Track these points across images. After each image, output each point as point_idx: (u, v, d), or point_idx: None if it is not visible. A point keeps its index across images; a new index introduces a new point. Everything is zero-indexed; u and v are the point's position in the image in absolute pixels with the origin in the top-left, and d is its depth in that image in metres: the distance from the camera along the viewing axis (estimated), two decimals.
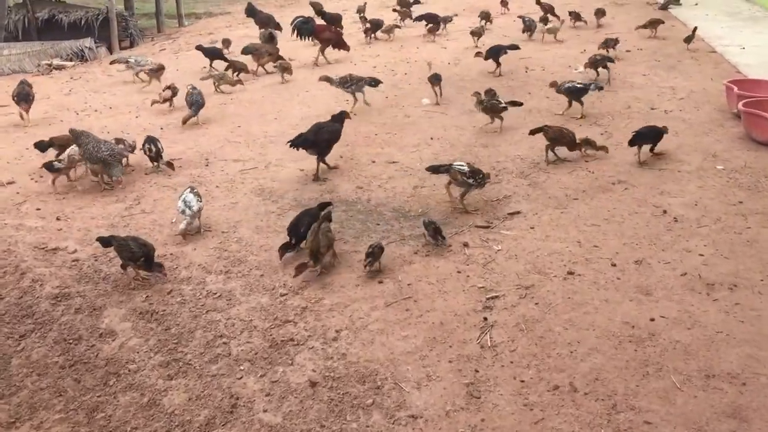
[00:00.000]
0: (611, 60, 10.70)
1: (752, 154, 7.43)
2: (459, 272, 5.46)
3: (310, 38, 13.38)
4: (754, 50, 11.88)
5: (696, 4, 16.77)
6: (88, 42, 17.65)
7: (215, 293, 5.29)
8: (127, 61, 12.11)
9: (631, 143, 7.31)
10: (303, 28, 13.13)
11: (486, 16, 15.54)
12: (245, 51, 12.28)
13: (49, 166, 7.36)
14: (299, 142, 7.33)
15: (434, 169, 6.57)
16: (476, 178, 6.31)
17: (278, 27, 15.01)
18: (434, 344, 4.62)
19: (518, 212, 6.45)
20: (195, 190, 6.30)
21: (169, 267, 5.67)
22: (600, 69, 10.45)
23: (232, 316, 5.01)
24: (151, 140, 7.69)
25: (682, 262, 5.39)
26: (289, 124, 9.28)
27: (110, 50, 18.13)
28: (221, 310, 5.08)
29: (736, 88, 8.53)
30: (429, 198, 6.82)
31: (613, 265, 5.40)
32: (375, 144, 8.42)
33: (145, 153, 7.70)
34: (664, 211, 6.25)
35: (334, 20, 14.73)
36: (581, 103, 8.98)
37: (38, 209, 6.85)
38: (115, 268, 5.64)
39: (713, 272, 5.23)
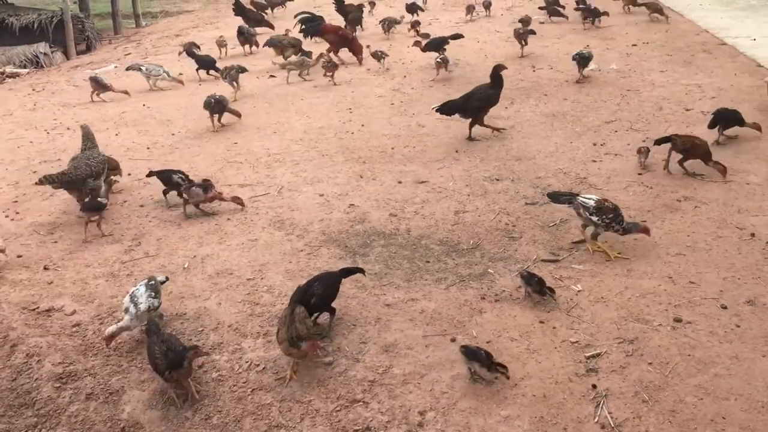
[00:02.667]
0: (533, 32, 11.72)
1: None
2: (542, 323, 4.62)
3: (313, 38, 12.43)
4: (767, 42, 11.30)
5: None
6: (42, 47, 16.35)
7: (257, 364, 4.34)
8: (140, 69, 10.89)
9: (711, 125, 7.26)
10: (308, 27, 12.17)
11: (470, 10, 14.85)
12: (269, 43, 11.85)
13: (94, 205, 6.02)
14: (445, 109, 7.75)
15: (554, 198, 5.66)
16: (603, 217, 5.26)
17: (270, 26, 14.07)
18: (544, 426, 3.77)
19: (584, 241, 5.63)
20: (154, 282, 4.67)
21: (193, 329, 4.70)
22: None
23: (285, 396, 4.07)
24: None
25: None
26: (291, 139, 8.33)
27: (66, 55, 16.82)
28: (270, 389, 4.14)
29: None
30: (476, 225, 5.96)
31: (724, 307, 4.62)
32: (395, 160, 7.53)
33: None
34: (752, 234, 5.51)
35: (354, 20, 13.88)
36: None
37: (20, 256, 5.78)
38: (128, 334, 4.64)
39: None
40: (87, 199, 6.13)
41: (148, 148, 8.23)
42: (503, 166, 7.19)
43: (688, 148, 6.56)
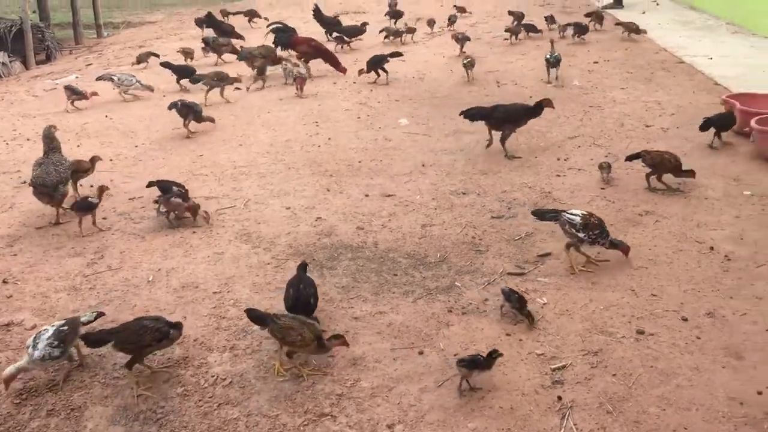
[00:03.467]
0: (468, 38, 12.79)
1: None
2: (508, 335, 4.66)
3: (286, 49, 12.37)
4: (724, 61, 11.63)
5: (644, 13, 16.63)
6: (1, 56, 16.01)
7: (224, 378, 4.29)
8: (111, 79, 10.68)
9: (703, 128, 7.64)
10: (278, 38, 12.12)
11: (431, 23, 15.08)
12: (241, 57, 11.68)
13: (85, 205, 6.20)
14: (470, 114, 7.78)
15: (540, 215, 5.67)
16: (590, 233, 5.28)
17: (240, 37, 14.02)
18: None
19: (549, 254, 5.71)
20: (66, 328, 4.25)
21: None
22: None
23: (251, 411, 4.03)
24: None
25: (760, 313, 4.75)
26: (257, 152, 8.30)
27: (26, 65, 16.51)
28: (236, 403, 4.09)
29: (738, 104, 8.08)
30: (443, 239, 6.00)
31: (685, 319, 4.71)
32: (362, 173, 7.54)
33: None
34: (711, 248, 5.64)
35: (331, 25, 13.98)
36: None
37: None
38: (89, 349, 4.54)
39: None
40: (78, 200, 6.31)
41: (111, 159, 8.12)
42: (469, 180, 7.25)
43: (657, 163, 6.69)
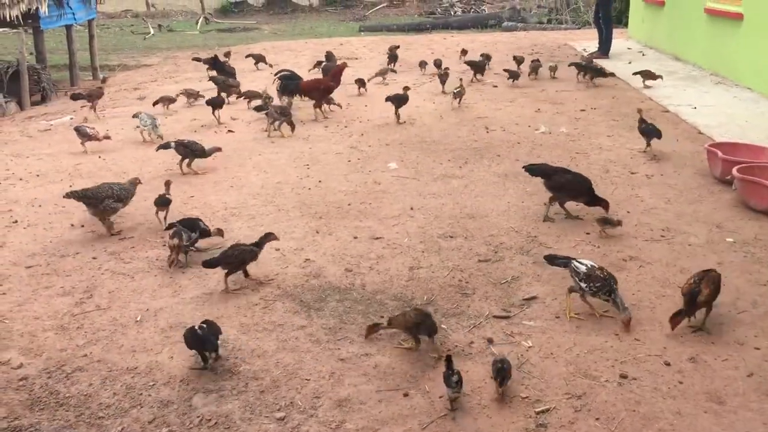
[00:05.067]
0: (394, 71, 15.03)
1: (756, 224, 7.09)
2: (493, 378, 4.69)
3: (293, 96, 12.55)
4: (707, 110, 11.88)
5: (630, 63, 16.98)
6: None
7: (209, 419, 4.31)
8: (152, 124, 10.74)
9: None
10: (286, 85, 12.29)
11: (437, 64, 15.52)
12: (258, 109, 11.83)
13: (163, 201, 7.26)
14: (530, 168, 7.55)
15: (550, 260, 5.77)
16: (591, 285, 5.27)
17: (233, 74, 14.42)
18: None
19: (535, 297, 5.78)
20: None
21: (144, 384, 4.65)
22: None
23: None
24: (178, 232, 6.36)
25: (741, 358, 4.82)
26: (249, 193, 8.39)
27: (21, 106, 16.65)
28: None
29: (720, 153, 8.26)
30: (430, 281, 6.06)
31: (667, 364, 4.78)
32: (350, 216, 7.63)
33: (172, 249, 6.31)
34: None
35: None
36: None
37: None
38: (76, 388, 4.56)
39: None
40: (158, 196, 7.30)
41: None
42: (457, 223, 7.35)
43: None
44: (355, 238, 7.02)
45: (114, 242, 6.98)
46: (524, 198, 8.06)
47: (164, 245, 6.75)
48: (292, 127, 10.97)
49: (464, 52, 17.20)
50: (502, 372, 4.38)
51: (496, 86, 14.25)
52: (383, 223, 7.41)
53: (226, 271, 5.86)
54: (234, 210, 7.85)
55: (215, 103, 11.96)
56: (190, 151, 9.03)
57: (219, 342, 4.83)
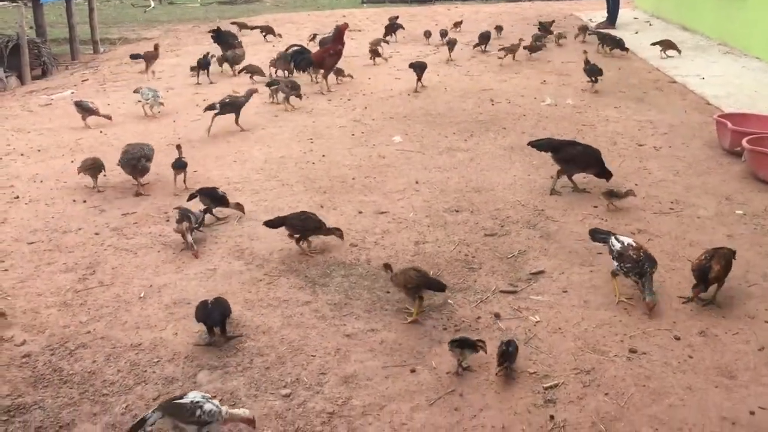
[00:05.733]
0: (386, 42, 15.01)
1: (766, 196, 7.00)
2: (498, 361, 4.63)
3: (310, 70, 12.45)
4: (715, 80, 11.72)
5: (636, 33, 16.75)
6: None
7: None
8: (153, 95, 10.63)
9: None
10: (299, 61, 12.18)
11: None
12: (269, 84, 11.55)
13: (180, 163, 7.59)
14: (537, 144, 7.36)
15: (593, 235, 5.66)
16: (622, 264, 5.12)
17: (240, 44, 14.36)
18: None
19: (542, 272, 5.71)
20: None
21: (148, 361, 4.61)
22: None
23: (242, 430, 4.00)
24: (185, 214, 6.20)
25: (752, 332, 4.75)
26: (252, 168, 8.30)
27: (21, 80, 16.50)
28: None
29: (730, 124, 8.13)
30: (436, 256, 6.00)
31: (677, 338, 4.72)
32: (355, 190, 7.55)
33: (183, 233, 6.08)
34: None
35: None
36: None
37: None
38: (79, 365, 4.53)
39: None
40: (175, 159, 7.61)
41: (104, 175, 8.09)
42: (463, 197, 7.26)
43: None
44: (360, 212, 6.94)
45: (117, 218, 6.92)
46: (530, 171, 7.96)
47: (167, 220, 6.68)
48: (300, 98, 10.91)
49: (457, 24, 17.20)
50: (506, 355, 4.30)
51: (501, 58, 14.03)
52: (388, 198, 7.32)
53: (293, 235, 6.03)
54: (237, 185, 7.76)
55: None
56: (235, 107, 9.58)
57: (228, 321, 4.78)
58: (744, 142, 7.45)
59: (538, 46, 14.37)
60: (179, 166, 7.53)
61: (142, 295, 5.44)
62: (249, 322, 5.04)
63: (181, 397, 3.81)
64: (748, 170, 7.55)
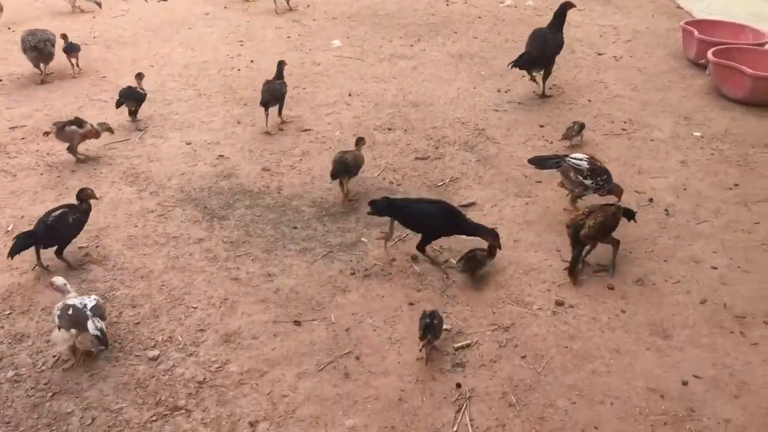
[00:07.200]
0: None
1: (728, 115, 6.36)
2: (411, 304, 4.07)
3: None
4: None
5: None
6: None
7: (66, 360, 3.65)
8: None
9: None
10: None
11: None
12: None
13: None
14: (521, 63, 6.39)
15: (539, 163, 4.79)
16: (597, 180, 4.56)
17: None
18: None
19: (473, 203, 5.08)
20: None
21: (0, 312, 3.96)
22: None
23: (91, 402, 3.41)
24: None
25: (696, 280, 4.20)
26: (168, 74, 7.43)
27: None
28: (75, 393, 3.45)
29: (696, 32, 7.36)
30: (356, 183, 5.31)
31: (611, 288, 4.15)
32: None
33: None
34: (651, 200, 5.06)
35: None
36: None
37: None
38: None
39: (737, 296, 4.09)
40: (67, 43, 7.22)
41: (1, 80, 7.19)
42: (398, 113, 6.52)
43: None
44: (281, 130, 6.19)
45: (3, 132, 6.09)
46: (477, 83, 7.19)
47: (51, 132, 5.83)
48: None
49: None
50: (430, 328, 3.61)
51: None
52: (315, 112, 6.55)
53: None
54: (149, 94, 6.86)
55: None
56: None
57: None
58: (709, 53, 6.71)
59: None
60: (71, 49, 7.15)
61: (9, 228, 4.72)
62: (128, 263, 4.38)
63: None
64: (712, 85, 6.87)
